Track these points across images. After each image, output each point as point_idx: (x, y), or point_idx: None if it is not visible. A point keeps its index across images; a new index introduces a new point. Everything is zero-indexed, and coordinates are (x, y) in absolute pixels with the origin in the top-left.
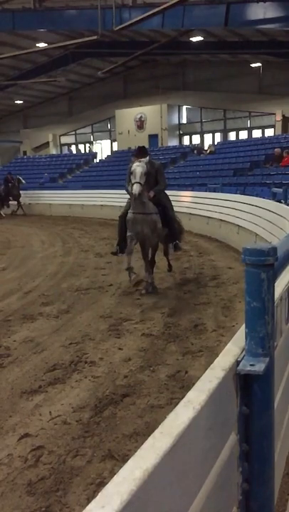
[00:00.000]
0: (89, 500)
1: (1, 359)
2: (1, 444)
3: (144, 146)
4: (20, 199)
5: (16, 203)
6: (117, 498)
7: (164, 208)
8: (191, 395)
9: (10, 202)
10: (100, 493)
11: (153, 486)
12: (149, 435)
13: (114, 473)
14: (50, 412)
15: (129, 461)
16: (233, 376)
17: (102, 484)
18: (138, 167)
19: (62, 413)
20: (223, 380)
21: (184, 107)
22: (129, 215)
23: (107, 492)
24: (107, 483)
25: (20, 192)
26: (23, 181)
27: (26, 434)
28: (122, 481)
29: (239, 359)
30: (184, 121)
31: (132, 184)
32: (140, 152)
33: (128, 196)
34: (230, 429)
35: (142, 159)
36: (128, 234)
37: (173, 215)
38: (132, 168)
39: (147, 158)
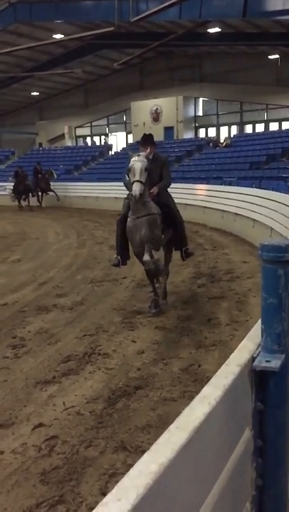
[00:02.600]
0: (102, 490)
1: (15, 349)
2: (16, 434)
3: (150, 134)
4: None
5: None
6: (133, 492)
7: (169, 208)
8: (206, 390)
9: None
10: (116, 486)
11: (168, 480)
12: (161, 427)
13: (127, 465)
14: (63, 403)
15: (144, 455)
16: (248, 372)
17: (114, 475)
18: (137, 162)
19: (75, 404)
20: (239, 376)
21: (200, 99)
22: (129, 222)
23: (123, 485)
24: (119, 474)
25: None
26: (55, 175)
27: (40, 423)
28: (138, 474)
29: (255, 355)
30: (200, 113)
31: (131, 183)
32: (146, 141)
33: (126, 192)
34: (244, 424)
35: (141, 153)
36: (137, 252)
37: (178, 216)
38: (130, 164)
39: (143, 154)
